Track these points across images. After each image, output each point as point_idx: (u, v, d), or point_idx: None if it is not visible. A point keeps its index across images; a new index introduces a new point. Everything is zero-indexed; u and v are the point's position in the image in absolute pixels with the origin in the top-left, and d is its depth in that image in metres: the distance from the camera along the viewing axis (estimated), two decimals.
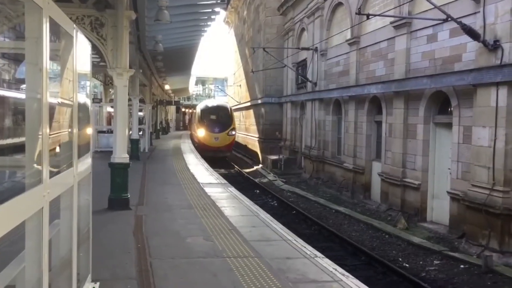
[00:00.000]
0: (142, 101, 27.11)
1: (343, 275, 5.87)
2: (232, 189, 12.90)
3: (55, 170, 3.52)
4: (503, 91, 10.03)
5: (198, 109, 35.02)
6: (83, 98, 4.66)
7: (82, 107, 4.47)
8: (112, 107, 20.03)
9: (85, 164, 4.55)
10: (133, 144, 20.67)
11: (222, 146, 31.36)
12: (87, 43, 4.81)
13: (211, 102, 36.86)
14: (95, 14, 9.76)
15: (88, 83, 5.26)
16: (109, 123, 31.56)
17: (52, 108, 3.32)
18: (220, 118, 32.48)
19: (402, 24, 14.08)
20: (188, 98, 75.77)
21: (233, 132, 32.41)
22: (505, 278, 8.91)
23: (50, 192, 3.09)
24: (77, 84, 4.08)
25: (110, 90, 28.90)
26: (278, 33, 30.12)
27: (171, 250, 6.91)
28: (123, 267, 6.15)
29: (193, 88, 72.41)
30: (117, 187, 9.90)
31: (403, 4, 13.96)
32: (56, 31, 3.85)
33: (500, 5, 10.13)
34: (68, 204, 3.97)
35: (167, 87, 43.02)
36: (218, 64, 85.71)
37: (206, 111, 33.57)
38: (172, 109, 64.72)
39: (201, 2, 16.41)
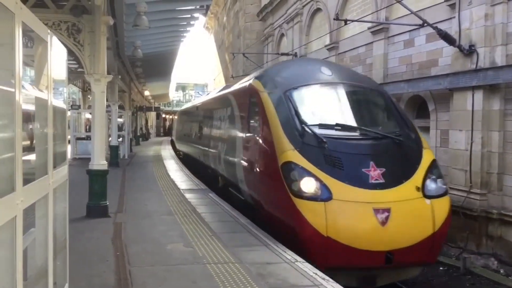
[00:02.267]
0: (121, 107, 26.90)
1: (323, 279, 5.87)
2: (213, 194, 12.83)
3: (29, 177, 3.46)
4: (478, 95, 10.21)
5: (264, 93, 9.02)
6: (59, 104, 4.60)
7: (58, 113, 4.41)
8: (90, 113, 20.02)
9: (61, 171, 4.49)
10: (113, 151, 20.48)
11: (404, 250, 7.08)
12: (62, 49, 4.75)
13: (315, 65, 9.86)
14: (72, 19, 9.66)
15: (64, 89, 5.21)
16: (87, 129, 31.20)
17: (26, 115, 3.27)
18: (366, 121, 8.72)
19: (380, 29, 14.26)
20: (169, 104, 75.43)
21: (443, 186, 7.84)
22: (483, 279, 9.04)
23: (23, 200, 3.03)
24: (52, 90, 4.03)
25: (89, 96, 28.57)
26: (257, 39, 30.23)
27: (151, 258, 6.83)
28: (101, 275, 6.06)
29: (174, 94, 72.13)
30: (96, 194, 9.77)
31: (380, 9, 14.15)
32: (30, 37, 3.80)
33: (475, 10, 10.33)
34: (43, 212, 3.91)
35: (147, 93, 42.79)
36: (198, 70, 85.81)
37: (312, 94, 8.88)
38: (152, 115, 64.29)
39: (180, 8, 16.39)
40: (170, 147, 36.25)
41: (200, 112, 18.97)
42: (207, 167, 15.48)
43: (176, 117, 39.68)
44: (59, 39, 4.99)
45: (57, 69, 4.39)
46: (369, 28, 14.83)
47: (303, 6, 21.54)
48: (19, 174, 2.92)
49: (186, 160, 23.13)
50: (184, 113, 28.51)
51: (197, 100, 24.99)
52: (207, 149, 15.35)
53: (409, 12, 11.29)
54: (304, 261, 6.67)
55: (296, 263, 6.55)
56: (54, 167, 4.13)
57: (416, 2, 12.38)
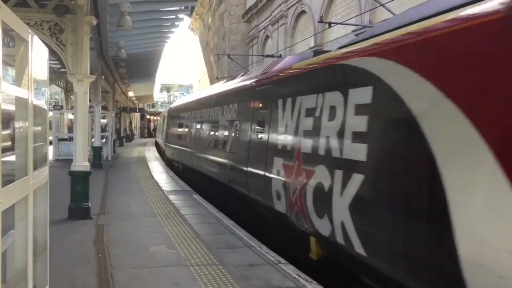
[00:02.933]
0: (105, 108, 26.68)
1: (306, 280, 5.89)
2: (197, 196, 12.80)
3: (9, 178, 3.41)
4: None
5: None
6: (40, 104, 4.54)
7: (39, 114, 4.35)
8: (73, 114, 19.78)
9: (41, 172, 4.43)
10: (95, 152, 20.30)
11: None
12: (44, 48, 4.69)
13: None
14: (55, 19, 9.56)
15: (46, 89, 5.14)
16: (70, 130, 30.88)
17: (6, 115, 3.22)
18: None
19: (363, 32, 14.37)
20: (153, 105, 75.07)
21: None
22: None
23: (2, 202, 2.99)
24: (33, 90, 3.98)
25: (72, 97, 28.31)
26: (243, 40, 30.26)
27: (133, 260, 6.78)
28: (82, 278, 5.99)
29: (158, 95, 71.84)
30: (78, 196, 9.67)
31: (364, 12, 14.26)
32: (11, 36, 3.76)
33: None
34: (23, 214, 3.85)
35: (131, 94, 42.51)
36: (183, 71, 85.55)
37: None
38: (136, 116, 63.89)
39: (164, 8, 16.32)
40: (154, 148, 36.10)
41: (222, 105, 12.28)
42: (255, 203, 8.86)
43: (161, 117, 35.32)
44: (41, 39, 4.93)
45: (38, 69, 4.34)
46: (353, 31, 14.93)
47: (288, 8, 21.61)
48: None
49: (189, 178, 16.70)
50: (181, 109, 20.88)
51: (214, 88, 16.39)
52: (261, 172, 8.32)
53: (392, 15, 11.39)
54: (287, 262, 6.69)
55: (279, 264, 6.56)
56: (35, 168, 4.07)
57: (399, 5, 12.50)
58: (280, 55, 22.06)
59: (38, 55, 4.29)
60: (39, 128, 4.43)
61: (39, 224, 4.42)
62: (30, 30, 3.90)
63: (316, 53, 7.62)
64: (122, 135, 41.13)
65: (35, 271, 4.16)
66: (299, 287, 5.68)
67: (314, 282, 5.86)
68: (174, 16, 17.39)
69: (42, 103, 4.72)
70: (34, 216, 4.03)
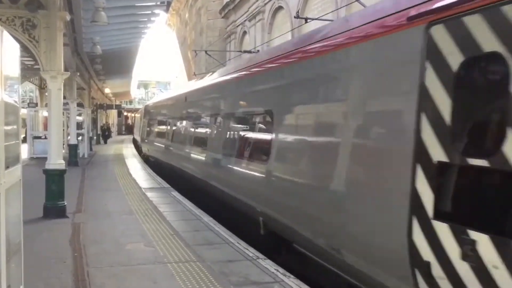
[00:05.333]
0: (80, 105, 26.31)
1: (285, 275, 5.92)
2: (175, 193, 12.74)
3: None
4: None
5: None
6: (11, 102, 4.45)
7: (10, 112, 4.27)
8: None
9: (14, 171, 4.35)
10: (71, 150, 20.04)
11: None
12: (15, 44, 4.60)
13: None
14: (27, 15, 9.38)
15: (18, 86, 5.04)
16: (46, 128, 30.34)
17: None
18: None
19: None
20: (130, 102, 74.38)
21: None
22: None
23: None
24: (3, 87, 3.90)
25: (46, 94, 27.85)
26: (220, 36, 30.17)
27: (110, 258, 6.72)
28: (58, 277, 5.92)
29: (135, 92, 71.19)
30: (53, 195, 9.54)
31: (340, 8, 14.35)
32: None
33: None
34: None
35: (107, 90, 41.97)
36: (161, 67, 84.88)
37: None
38: (113, 113, 63.22)
39: (140, 3, 16.14)
40: (132, 145, 35.82)
41: None
42: None
43: (140, 114, 32.42)
44: (12, 35, 4.84)
45: (10, 66, 4.25)
46: None
47: (265, 4, 21.62)
48: None
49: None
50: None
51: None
52: None
53: None
54: (265, 257, 6.71)
55: (257, 260, 6.57)
56: (7, 167, 4.00)
57: (375, 0, 12.61)
58: (258, 51, 22.06)
59: (9, 52, 4.20)
60: (11, 126, 4.35)
61: (12, 223, 4.35)
62: (0, 26, 3.82)
63: None
64: (99, 132, 40.53)
65: (9, 271, 4.09)
66: (277, 281, 5.70)
67: (292, 276, 5.90)
68: (150, 12, 17.20)
69: (14, 100, 4.63)
70: (6, 215, 3.96)
